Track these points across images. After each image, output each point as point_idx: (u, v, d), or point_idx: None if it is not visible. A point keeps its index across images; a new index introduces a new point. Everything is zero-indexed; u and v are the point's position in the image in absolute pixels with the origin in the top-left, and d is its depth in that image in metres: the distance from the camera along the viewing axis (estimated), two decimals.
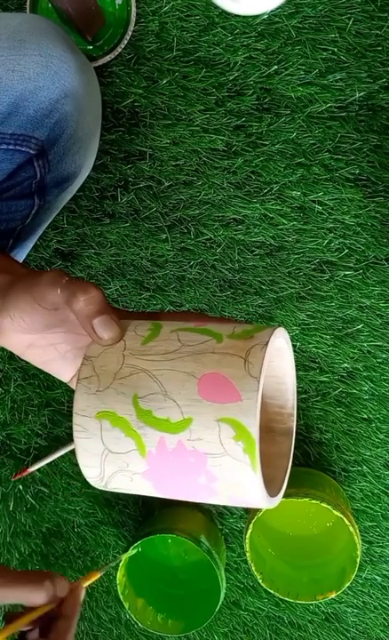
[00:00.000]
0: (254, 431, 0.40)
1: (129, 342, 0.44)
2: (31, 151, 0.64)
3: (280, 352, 0.47)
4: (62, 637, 0.53)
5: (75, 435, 0.44)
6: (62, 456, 1.07)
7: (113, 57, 0.92)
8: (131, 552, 0.95)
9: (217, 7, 0.90)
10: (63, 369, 0.49)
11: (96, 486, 0.45)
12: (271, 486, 0.45)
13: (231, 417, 0.40)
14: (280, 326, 0.44)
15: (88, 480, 0.45)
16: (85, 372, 0.44)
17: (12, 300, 0.45)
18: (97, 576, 0.59)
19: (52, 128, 0.64)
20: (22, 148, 0.64)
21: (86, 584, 0.57)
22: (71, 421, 1.07)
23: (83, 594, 0.56)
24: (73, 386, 0.50)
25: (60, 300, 0.44)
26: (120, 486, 0.44)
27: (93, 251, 1.00)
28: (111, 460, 0.43)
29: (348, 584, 0.94)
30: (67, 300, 0.43)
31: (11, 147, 0.63)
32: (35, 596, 0.52)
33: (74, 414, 0.44)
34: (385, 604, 1.08)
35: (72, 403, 1.06)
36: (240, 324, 0.45)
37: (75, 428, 0.44)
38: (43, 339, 0.48)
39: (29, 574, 0.53)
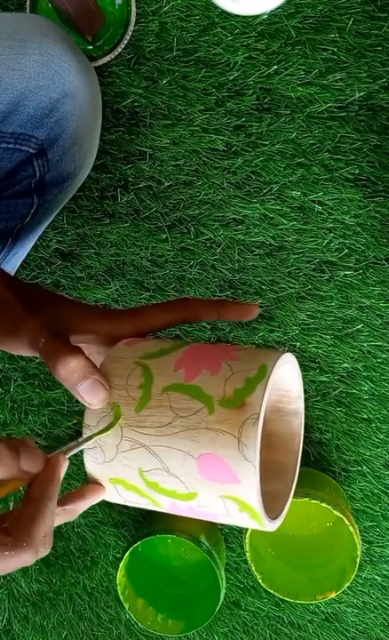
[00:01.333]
0: (257, 506, 0.42)
1: (124, 409, 0.45)
2: (31, 150, 0.64)
3: (284, 373, 0.49)
4: (21, 528, 0.38)
5: (85, 491, 0.47)
6: None
7: (113, 57, 0.92)
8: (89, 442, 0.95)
9: (217, 7, 0.90)
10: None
11: None
12: (274, 502, 0.48)
13: (233, 495, 0.42)
14: (272, 369, 0.44)
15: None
16: (88, 443, 0.45)
17: None
18: (78, 448, 0.45)
19: (52, 127, 0.64)
20: (22, 147, 0.64)
21: (69, 455, 0.44)
22: (71, 421, 1.07)
23: (63, 468, 0.42)
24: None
25: (40, 357, 0.45)
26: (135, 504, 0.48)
27: (93, 251, 1.00)
28: (133, 504, 0.47)
29: (348, 584, 0.94)
30: (47, 364, 0.44)
31: (10, 146, 0.64)
32: None
33: (89, 476, 0.46)
34: (385, 604, 1.08)
35: (72, 403, 1.06)
36: (232, 370, 0.44)
37: (84, 489, 0.46)
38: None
39: None
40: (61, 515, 0.44)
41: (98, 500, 0.46)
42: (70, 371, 0.43)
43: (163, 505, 0.45)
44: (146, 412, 0.44)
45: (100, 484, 0.46)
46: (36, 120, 0.63)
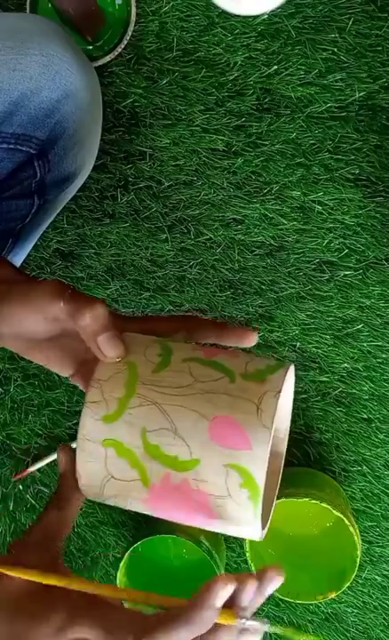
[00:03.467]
0: (261, 481, 0.40)
1: (140, 369, 0.43)
2: (31, 151, 0.64)
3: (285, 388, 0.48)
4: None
5: (79, 458, 0.43)
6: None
7: (113, 57, 0.92)
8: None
9: (217, 7, 0.90)
10: (64, 367, 0.49)
11: (91, 499, 0.45)
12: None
13: (240, 464, 0.40)
14: (291, 366, 0.44)
15: (84, 494, 0.45)
16: (93, 396, 0.43)
17: (12, 309, 0.44)
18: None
19: (53, 128, 0.64)
20: (23, 147, 0.64)
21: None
22: (71, 421, 1.07)
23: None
24: (73, 381, 0.50)
25: (63, 313, 0.43)
26: (117, 504, 0.44)
27: (93, 251, 1.00)
28: (113, 484, 0.43)
29: (348, 584, 0.94)
30: (71, 314, 0.43)
31: (11, 146, 0.63)
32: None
33: (79, 438, 0.43)
34: (385, 604, 1.08)
35: (72, 403, 1.06)
36: (250, 358, 0.44)
37: (78, 451, 0.43)
38: (44, 342, 0.48)
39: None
40: None
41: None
42: (95, 317, 0.42)
43: (152, 481, 0.42)
44: (164, 373, 0.43)
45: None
46: (37, 120, 0.63)
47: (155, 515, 0.44)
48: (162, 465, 0.41)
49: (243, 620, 0.41)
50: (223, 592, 0.40)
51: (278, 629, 0.41)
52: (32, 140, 0.64)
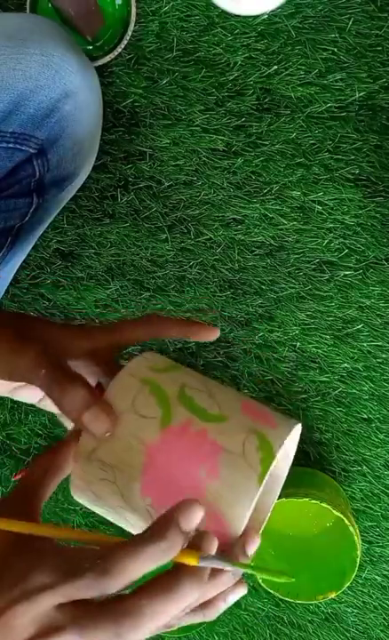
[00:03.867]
0: (277, 451, 0.41)
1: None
2: (31, 150, 0.64)
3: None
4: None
5: (111, 385, 0.44)
6: None
7: (113, 57, 0.92)
8: None
9: (217, 7, 0.90)
10: (32, 395, 0.50)
11: (79, 453, 0.44)
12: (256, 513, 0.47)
13: (262, 432, 0.41)
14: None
15: (94, 430, 0.44)
16: (151, 359, 0.46)
17: None
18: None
19: (52, 127, 0.64)
20: (22, 147, 0.64)
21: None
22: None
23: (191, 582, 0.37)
24: (40, 406, 0.51)
25: (41, 389, 0.44)
26: (104, 458, 0.42)
27: (93, 251, 1.00)
28: (129, 419, 0.43)
29: (348, 584, 0.94)
30: (48, 395, 0.44)
31: (11, 145, 0.63)
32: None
33: (122, 372, 0.45)
34: (385, 604, 1.08)
35: None
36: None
37: (113, 381, 0.44)
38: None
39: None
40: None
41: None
42: (71, 402, 0.43)
43: (172, 422, 0.41)
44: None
45: (243, 584, 0.41)
46: (37, 120, 0.63)
47: (144, 468, 0.42)
48: (189, 411, 0.42)
49: (206, 562, 0.37)
50: (190, 512, 0.37)
51: (241, 566, 0.39)
52: (31, 140, 0.64)
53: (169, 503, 0.38)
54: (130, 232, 0.99)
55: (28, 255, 1.01)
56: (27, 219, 0.69)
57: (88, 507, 0.46)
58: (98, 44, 0.92)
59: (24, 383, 0.48)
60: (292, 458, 0.50)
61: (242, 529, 0.40)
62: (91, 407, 0.43)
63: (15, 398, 0.51)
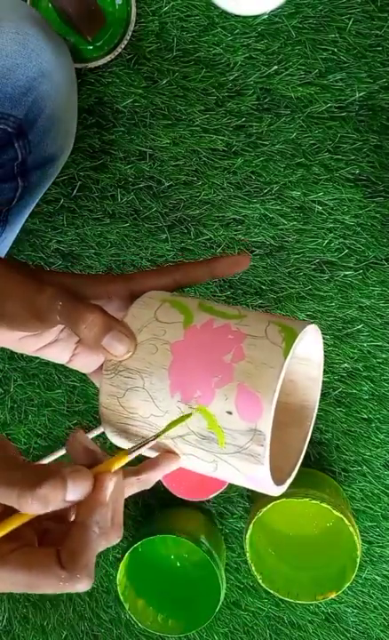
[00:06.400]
0: (299, 332, 0.42)
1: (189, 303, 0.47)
2: (9, 129, 0.64)
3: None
4: (75, 562, 0.37)
5: (133, 306, 0.46)
6: (62, 456, 1.07)
7: (113, 57, 0.92)
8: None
9: (217, 7, 0.90)
10: (60, 353, 0.49)
11: (105, 374, 0.45)
12: (278, 474, 0.47)
13: (282, 323, 0.43)
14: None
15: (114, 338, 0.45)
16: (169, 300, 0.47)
17: (8, 314, 0.45)
18: (125, 459, 0.42)
19: (30, 107, 0.64)
20: (0, 125, 0.64)
21: (116, 467, 0.41)
22: (71, 421, 1.07)
23: (110, 489, 0.39)
24: (71, 366, 0.51)
25: (60, 322, 0.44)
26: (130, 365, 0.44)
27: (93, 251, 1.00)
28: (151, 327, 0.44)
29: (348, 584, 0.94)
30: (67, 325, 0.43)
31: None
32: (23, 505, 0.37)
33: (143, 296, 0.46)
34: (385, 604, 1.08)
35: (72, 403, 1.06)
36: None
37: (135, 303, 0.46)
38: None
39: (27, 470, 0.38)
40: (136, 484, 0.43)
41: (171, 470, 0.44)
42: (90, 326, 0.42)
43: (194, 322, 0.43)
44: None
45: (175, 454, 0.43)
46: (14, 99, 0.63)
47: (171, 364, 0.43)
48: (210, 314, 0.44)
49: (134, 453, 0.41)
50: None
51: (160, 438, 0.42)
52: (9, 119, 0.64)
53: (197, 394, 0.41)
54: (130, 232, 0.99)
55: (28, 255, 1.01)
56: (14, 202, 0.69)
57: (116, 441, 0.46)
58: (98, 44, 0.92)
59: (53, 339, 0.48)
60: (321, 373, 0.50)
61: (275, 401, 0.40)
62: (111, 330, 0.43)
63: (43, 357, 0.50)
